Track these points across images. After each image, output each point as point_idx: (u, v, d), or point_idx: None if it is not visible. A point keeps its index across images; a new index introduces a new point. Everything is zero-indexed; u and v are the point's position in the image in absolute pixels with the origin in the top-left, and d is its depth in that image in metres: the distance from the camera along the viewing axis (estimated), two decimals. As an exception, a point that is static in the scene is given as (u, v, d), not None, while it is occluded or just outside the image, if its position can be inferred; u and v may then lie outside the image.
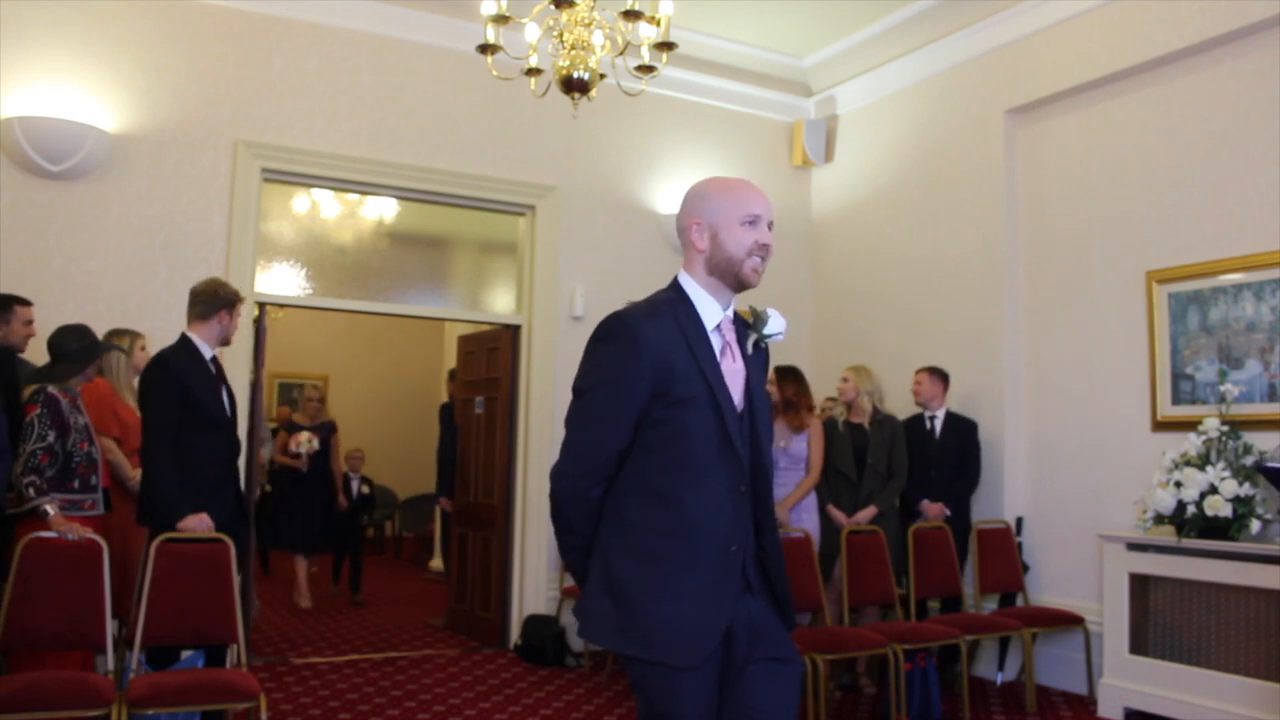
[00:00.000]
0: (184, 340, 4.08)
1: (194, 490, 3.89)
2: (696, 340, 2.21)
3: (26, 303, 4.42)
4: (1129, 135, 5.40)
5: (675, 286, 2.31)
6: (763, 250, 2.25)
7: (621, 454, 2.20)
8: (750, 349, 2.33)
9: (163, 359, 4.04)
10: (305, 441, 7.61)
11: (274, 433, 8.93)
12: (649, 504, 2.18)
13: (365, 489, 8.38)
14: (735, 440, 2.20)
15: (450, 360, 9.14)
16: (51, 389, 4.08)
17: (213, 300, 4.10)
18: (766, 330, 2.34)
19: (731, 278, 2.26)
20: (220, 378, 4.15)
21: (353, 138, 5.92)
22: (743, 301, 2.37)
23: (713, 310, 2.26)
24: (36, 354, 4.46)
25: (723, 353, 2.26)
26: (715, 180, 2.34)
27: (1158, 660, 4.75)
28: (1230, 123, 4.93)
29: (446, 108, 6.18)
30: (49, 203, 5.21)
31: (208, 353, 4.09)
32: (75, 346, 4.20)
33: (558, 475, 2.25)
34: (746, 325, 2.35)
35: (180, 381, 3.92)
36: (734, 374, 2.26)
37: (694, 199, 2.31)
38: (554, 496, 2.26)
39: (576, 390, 2.25)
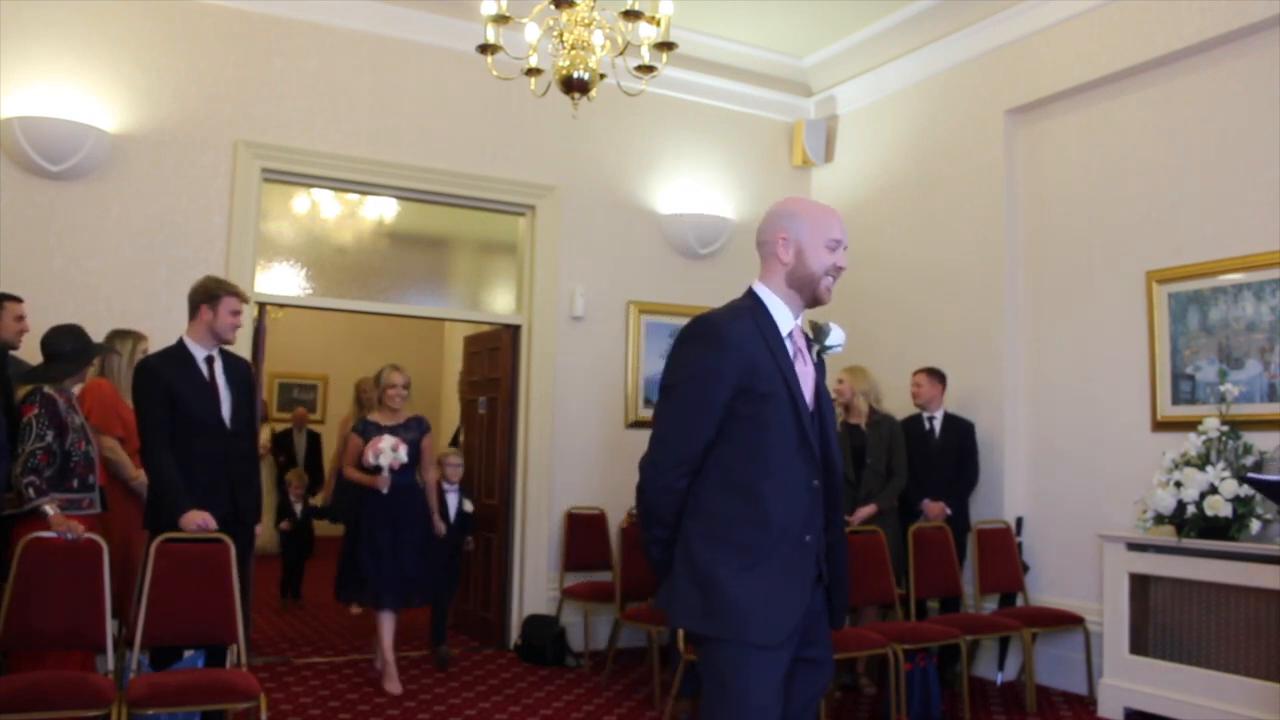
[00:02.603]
0: (177, 343, 4.08)
1: (189, 491, 3.89)
2: (774, 342, 2.38)
3: (17, 299, 4.42)
4: (1129, 135, 5.40)
5: (751, 295, 2.47)
6: (837, 272, 2.45)
7: (707, 447, 2.34)
8: (814, 358, 2.49)
9: (144, 362, 4.08)
10: (389, 450, 5.23)
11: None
12: (731, 495, 2.33)
13: (468, 506, 6.06)
14: (810, 435, 2.35)
15: (450, 360, 9.15)
16: (48, 389, 4.08)
17: (193, 297, 4.09)
18: (828, 342, 2.50)
19: (809, 292, 2.44)
20: (231, 379, 4.11)
21: (353, 138, 5.92)
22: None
23: (786, 318, 2.44)
24: (31, 353, 4.46)
25: (795, 356, 2.41)
26: (804, 201, 2.53)
27: (1158, 660, 4.75)
28: (1230, 123, 4.93)
29: (446, 108, 6.18)
30: (49, 203, 5.21)
31: (201, 354, 4.06)
32: (69, 347, 4.20)
33: (648, 466, 2.39)
34: (808, 337, 2.51)
35: (163, 383, 3.91)
36: (805, 376, 2.43)
37: (784, 216, 2.46)
38: (643, 488, 2.40)
39: (665, 388, 2.41)
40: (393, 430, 5.40)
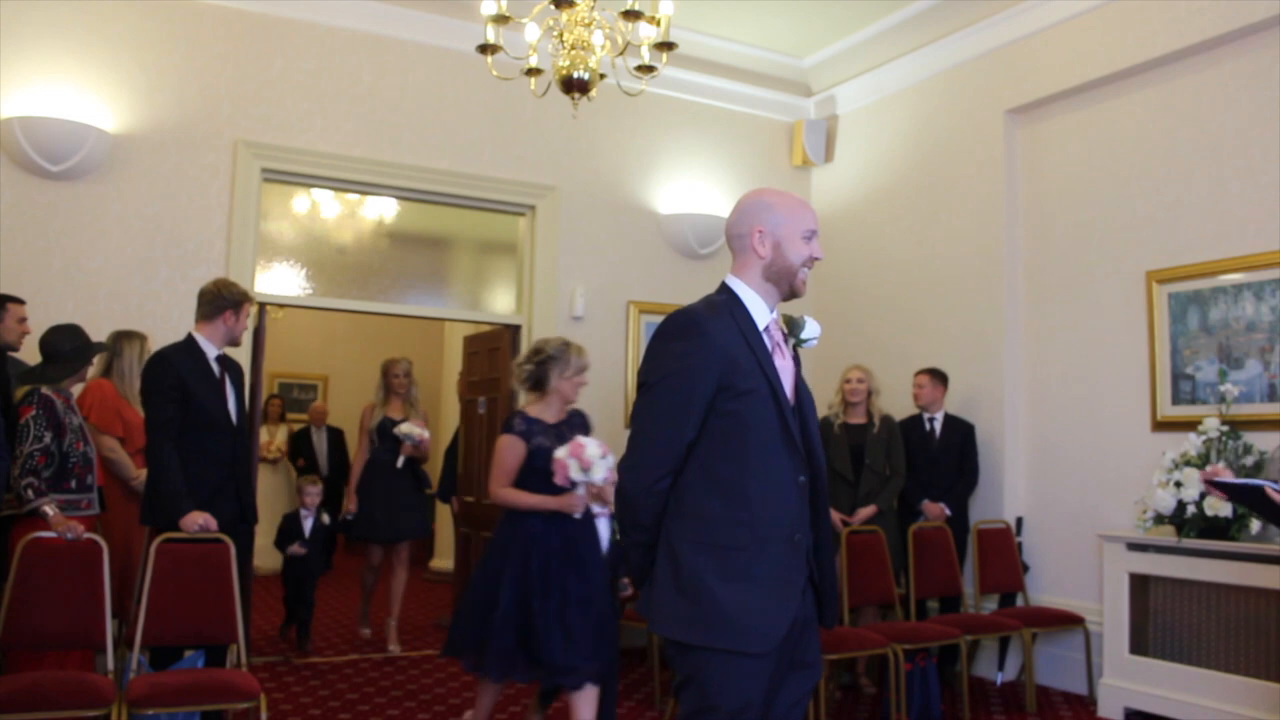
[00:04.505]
0: (187, 340, 4.10)
1: (193, 491, 3.89)
2: (753, 337, 2.32)
3: (19, 301, 4.43)
4: (1129, 135, 5.40)
5: (726, 289, 2.41)
6: (813, 263, 2.41)
7: (689, 446, 2.28)
8: (791, 352, 2.45)
9: (159, 355, 4.07)
10: (599, 461, 3.76)
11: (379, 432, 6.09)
12: (715, 495, 2.26)
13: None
14: (794, 431, 2.30)
15: (450, 360, 9.14)
16: (45, 390, 4.08)
17: (216, 300, 4.11)
18: (803, 335, 2.47)
19: (786, 285, 2.39)
20: (232, 379, 4.14)
21: (353, 138, 5.92)
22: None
23: (762, 312, 2.38)
24: (30, 353, 4.46)
25: (773, 351, 2.36)
26: (776, 192, 2.46)
27: (1158, 660, 4.75)
28: (1230, 123, 4.93)
29: (446, 108, 6.18)
30: (49, 203, 5.21)
31: (212, 353, 4.09)
32: (68, 347, 4.22)
33: (629, 468, 2.32)
34: (783, 331, 2.47)
35: (177, 378, 3.92)
36: (785, 370, 2.38)
37: (757, 208, 2.40)
38: (624, 491, 2.33)
39: (645, 385, 2.34)
40: (558, 430, 3.92)
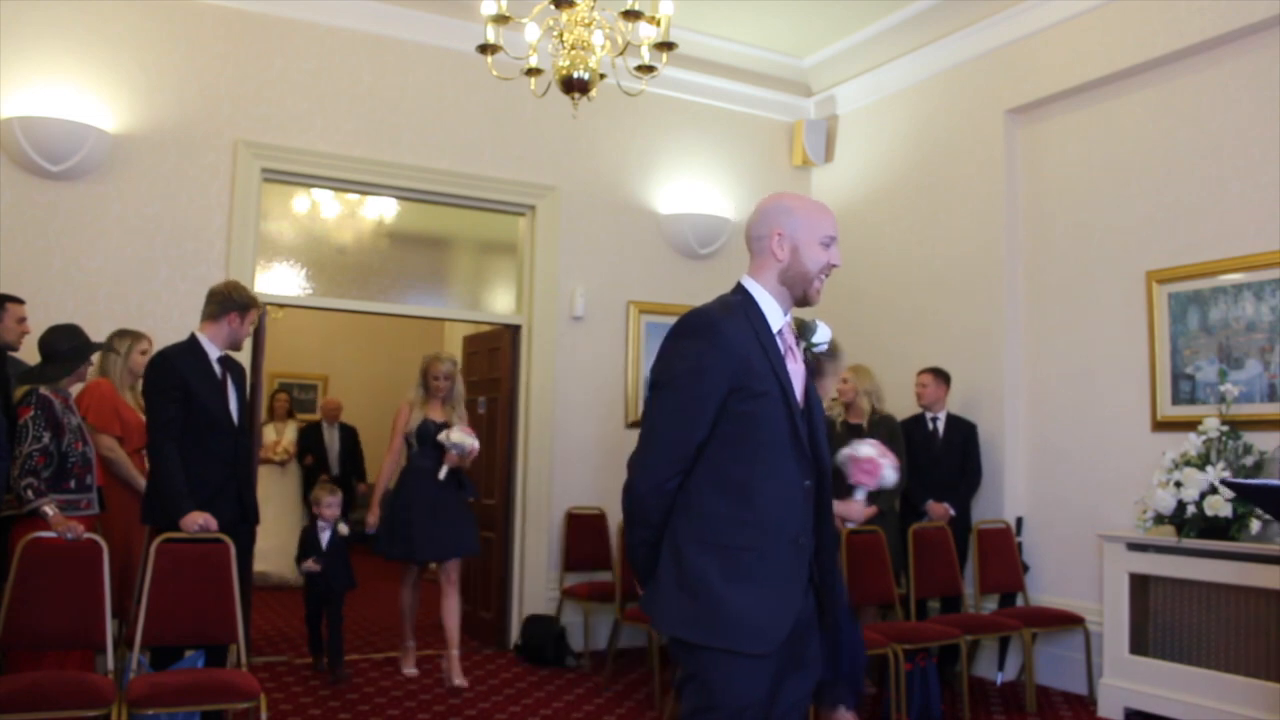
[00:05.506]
0: (190, 339, 4.12)
1: (194, 492, 3.90)
2: (766, 339, 2.33)
3: (19, 301, 4.43)
4: (1129, 135, 5.40)
5: (741, 290, 2.42)
6: (830, 270, 2.41)
7: (700, 446, 2.28)
8: (803, 355, 2.47)
9: (162, 355, 4.08)
10: (889, 470, 3.39)
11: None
12: (723, 496, 2.27)
13: None
14: (803, 435, 2.31)
15: (450, 360, 9.10)
16: (44, 390, 4.09)
17: (225, 302, 4.12)
18: (814, 340, 2.48)
19: (800, 290, 2.39)
20: (234, 379, 4.16)
21: (353, 138, 5.92)
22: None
23: (776, 314, 2.39)
24: (29, 353, 4.46)
25: (785, 354, 2.36)
26: (797, 197, 2.48)
27: (1158, 660, 4.75)
28: (1230, 123, 4.93)
29: (446, 108, 6.18)
30: (49, 203, 5.21)
31: (214, 353, 4.10)
32: (66, 347, 4.22)
33: (640, 467, 2.32)
34: (794, 334, 2.48)
35: (179, 378, 3.93)
36: (796, 374, 2.38)
37: (778, 211, 2.41)
38: (633, 489, 2.33)
39: (657, 384, 2.34)
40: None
